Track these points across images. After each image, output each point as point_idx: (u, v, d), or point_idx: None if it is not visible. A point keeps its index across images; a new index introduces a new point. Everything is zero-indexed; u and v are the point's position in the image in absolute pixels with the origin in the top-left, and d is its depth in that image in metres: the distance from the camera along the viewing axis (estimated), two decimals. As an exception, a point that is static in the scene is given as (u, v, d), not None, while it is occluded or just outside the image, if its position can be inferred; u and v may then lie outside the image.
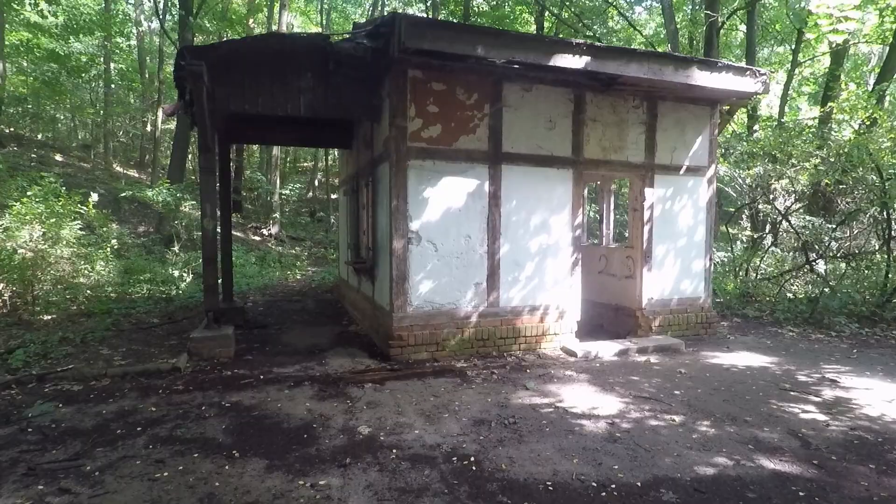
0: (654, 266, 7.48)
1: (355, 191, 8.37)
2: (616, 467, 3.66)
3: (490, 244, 6.53)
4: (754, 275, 11.14)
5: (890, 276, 9.46)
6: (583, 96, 6.90)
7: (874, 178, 9.82)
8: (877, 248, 10.17)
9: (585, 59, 5.99)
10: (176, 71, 5.60)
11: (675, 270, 7.66)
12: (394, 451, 3.87)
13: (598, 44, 6.08)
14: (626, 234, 13.61)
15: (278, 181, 21.24)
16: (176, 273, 11.63)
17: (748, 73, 6.87)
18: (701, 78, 6.58)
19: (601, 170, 7.11)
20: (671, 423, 4.47)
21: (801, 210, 11.49)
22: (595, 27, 19.06)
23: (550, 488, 3.38)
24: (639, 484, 3.44)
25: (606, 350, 6.70)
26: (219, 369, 5.75)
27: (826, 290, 9.05)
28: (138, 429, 4.21)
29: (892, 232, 9.56)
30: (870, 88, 16.03)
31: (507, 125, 6.55)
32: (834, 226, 10.41)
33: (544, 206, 6.78)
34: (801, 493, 3.34)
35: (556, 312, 6.90)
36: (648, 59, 6.30)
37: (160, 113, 21.39)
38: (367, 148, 7.67)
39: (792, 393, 5.31)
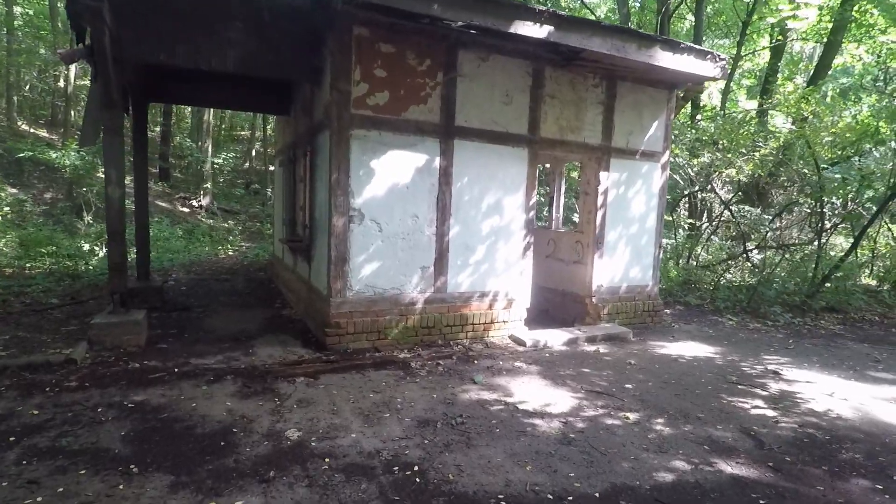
0: (605, 252, 7.29)
1: (292, 161, 7.62)
2: (572, 475, 3.35)
3: (439, 225, 6.06)
4: (694, 263, 11.34)
5: (819, 266, 9.86)
6: (542, 70, 6.48)
7: (809, 171, 10.15)
8: (808, 239, 10.56)
9: (548, 28, 5.55)
10: (69, 6, 4.65)
11: (626, 257, 7.51)
12: (326, 460, 3.38)
13: (562, 13, 5.60)
14: (576, 219, 13.62)
15: (210, 149, 19.66)
16: (86, 247, 10.39)
17: (709, 56, 6.69)
18: (663, 58, 6.32)
19: (557, 150, 6.77)
20: (626, 421, 4.24)
21: (737, 200, 11.79)
22: (548, 3, 18.72)
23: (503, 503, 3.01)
24: (597, 495, 3.14)
25: (555, 339, 6.46)
26: (125, 361, 4.98)
27: (761, 279, 9.27)
28: (11, 439, 3.47)
29: (825, 224, 9.93)
30: (804, 85, 16.74)
31: (462, 96, 6.04)
32: (770, 217, 10.71)
33: (498, 186, 6.36)
34: (761, 502, 3.16)
35: (505, 299, 6.56)
36: (612, 35, 5.94)
37: (73, 67, 19.16)
38: (306, 114, 6.93)
39: (739, 386, 5.25)
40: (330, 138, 5.51)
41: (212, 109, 20.15)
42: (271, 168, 24.55)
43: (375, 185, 5.69)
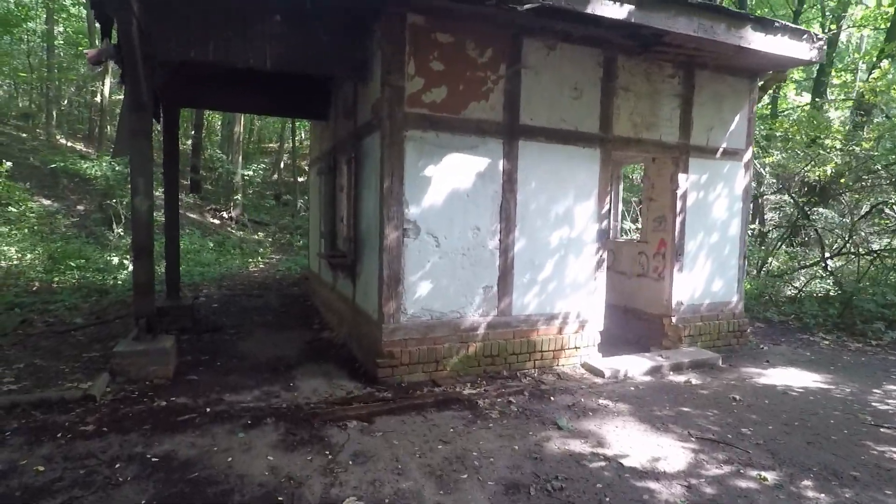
0: (685, 265, 6.39)
1: (332, 170, 6.96)
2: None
3: (503, 238, 5.29)
4: (765, 272, 10.28)
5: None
6: (614, 60, 5.68)
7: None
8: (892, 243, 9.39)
9: (628, 7, 4.75)
10: (92, -5, 4.10)
11: (707, 270, 6.60)
12: (399, 546, 2.62)
13: (644, -11, 4.81)
14: (638, 226, 12.67)
15: (240, 160, 19.39)
16: (115, 260, 9.95)
17: (805, 36, 5.78)
18: (755, 40, 5.45)
19: (631, 150, 5.94)
20: (763, 483, 3.36)
21: (808, 203, 10.68)
22: None
23: None
24: None
25: (635, 367, 5.59)
26: (150, 396, 4.33)
27: (855, 291, 8.19)
28: (10, 510, 2.82)
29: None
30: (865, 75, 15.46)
31: (527, 91, 5.27)
32: (851, 220, 9.60)
33: (567, 192, 5.56)
34: None
35: (576, 322, 5.73)
36: (700, 13, 5.11)
37: (108, 80, 19.17)
38: (348, 117, 6.27)
39: (882, 430, 4.30)
40: (381, 141, 4.81)
41: (242, 121, 19.92)
42: (301, 179, 24.26)
43: (432, 194, 4.96)
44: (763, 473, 3.48)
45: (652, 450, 3.78)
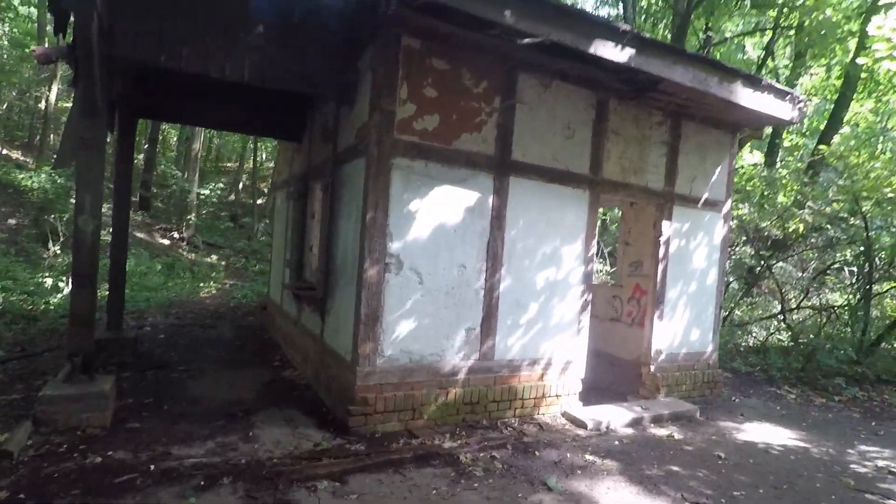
0: (665, 313, 6.28)
1: (302, 195, 6.54)
2: None
3: (489, 277, 4.99)
4: (728, 322, 10.43)
5: (867, 331, 9.04)
6: (606, 102, 5.63)
7: (850, 227, 9.46)
8: (850, 300, 9.76)
9: (629, 52, 4.70)
10: (50, -15, 3.64)
11: (686, 319, 6.52)
12: None
13: (644, 35, 4.79)
14: (608, 270, 12.69)
15: (197, 179, 18.50)
16: (49, 281, 8.99)
17: (788, 97, 5.94)
18: (744, 96, 5.53)
19: (619, 194, 5.84)
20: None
21: (769, 257, 11.04)
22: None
23: None
24: None
25: (617, 419, 5.33)
26: (82, 451, 3.68)
27: (817, 346, 8.35)
28: None
29: (872, 285, 9.16)
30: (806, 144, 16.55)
31: (520, 127, 5.11)
32: (813, 275, 9.93)
33: (555, 233, 5.37)
34: None
35: (558, 367, 5.46)
36: (695, 65, 5.14)
37: (55, 86, 18.06)
38: (326, 140, 5.91)
39: (868, 496, 4.18)
40: (367, 168, 4.48)
41: (202, 137, 19.13)
42: (259, 202, 23.45)
43: (418, 227, 4.63)
44: (773, 548, 3.23)
45: (653, 519, 3.48)
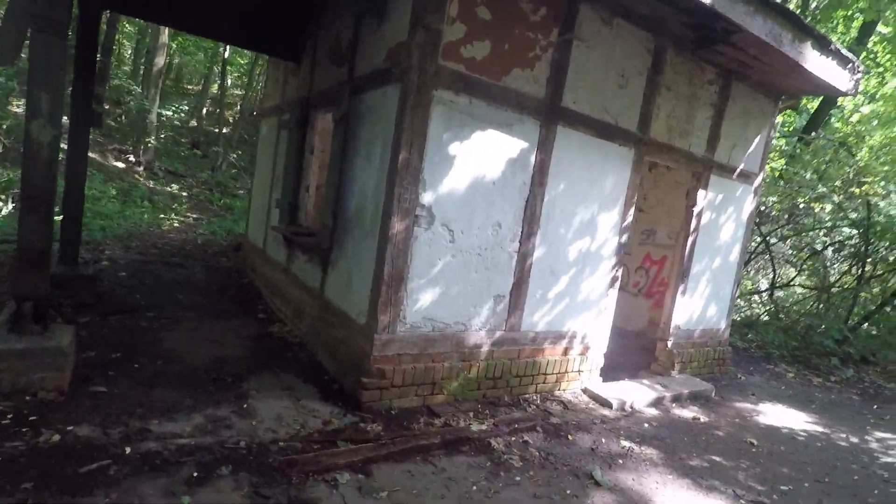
0: (688, 288, 5.89)
1: (300, 126, 5.62)
2: None
3: (523, 241, 4.38)
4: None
5: (852, 313, 9.11)
6: (664, 51, 4.93)
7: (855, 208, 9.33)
8: (846, 281, 9.77)
9: (715, -12, 3.99)
10: None
11: (707, 294, 6.17)
12: None
13: (735, -29, 4.07)
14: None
15: (158, 98, 16.69)
16: (-17, 200, 7.76)
17: (849, 65, 5.41)
18: (811, 59, 4.96)
19: (663, 156, 5.25)
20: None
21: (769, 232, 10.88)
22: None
23: None
24: None
25: (639, 398, 4.99)
26: (34, 424, 2.93)
27: (812, 326, 8.31)
28: None
29: (865, 268, 9.15)
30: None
31: (574, 68, 4.37)
32: (808, 254, 9.85)
33: (595, 196, 4.77)
34: None
35: (581, 344, 5.01)
36: (774, 17, 4.48)
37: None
38: (337, 62, 4.99)
39: (909, 495, 4.01)
40: (402, 98, 3.68)
41: (165, 52, 17.17)
42: (225, 130, 21.68)
43: (455, 176, 3.92)
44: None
45: (717, 527, 3.12)
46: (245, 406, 3.57)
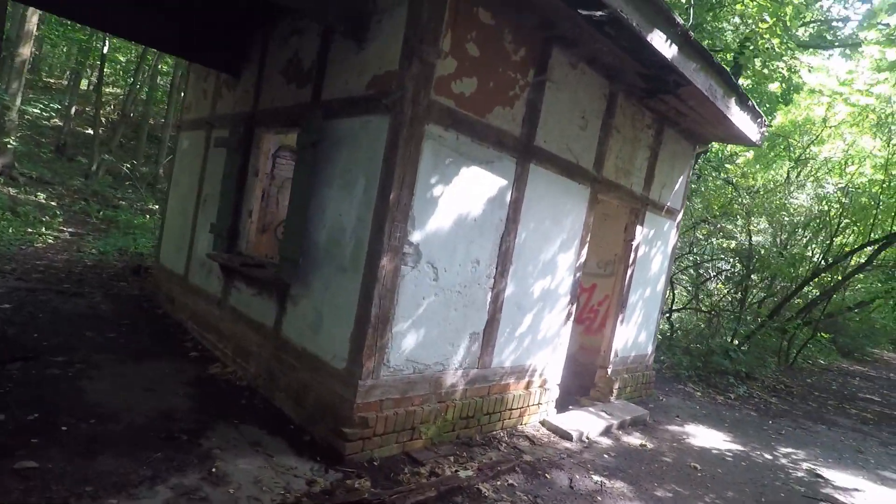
0: (626, 317, 6.29)
1: (242, 146, 5.15)
2: None
3: (497, 277, 4.38)
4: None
5: (736, 333, 10.36)
6: (616, 96, 5.27)
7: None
8: (731, 305, 11.09)
9: (674, 49, 4.37)
10: None
11: (639, 322, 6.63)
12: None
13: (690, 33, 4.47)
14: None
15: (20, 93, 14.40)
16: None
17: (759, 120, 6.22)
18: (734, 112, 5.62)
19: (611, 194, 5.58)
20: None
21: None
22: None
23: None
24: None
25: (590, 427, 5.17)
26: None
27: (711, 346, 9.30)
28: None
29: (747, 294, 10.47)
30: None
31: (546, 108, 4.50)
32: (705, 277, 11.04)
33: (558, 233, 4.93)
34: None
35: (540, 377, 5.11)
36: (713, 75, 5.02)
37: None
38: (295, 81, 4.65)
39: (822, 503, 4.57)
40: (392, 131, 3.51)
41: (31, 41, 14.94)
42: (89, 131, 19.25)
43: (441, 213, 3.82)
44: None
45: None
46: (213, 470, 3.11)
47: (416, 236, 3.66)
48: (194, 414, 3.81)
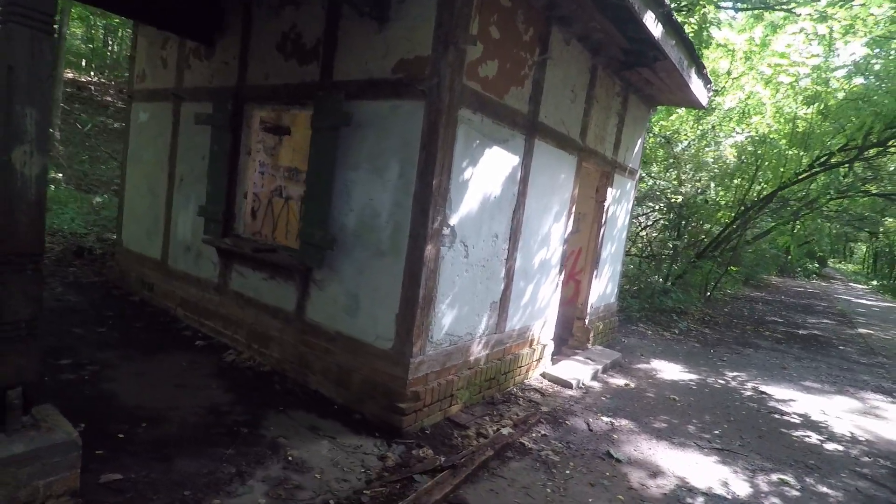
0: (599, 272, 6.89)
1: (231, 123, 4.89)
2: None
3: (510, 248, 4.67)
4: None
5: (669, 275, 11.57)
6: (597, 69, 5.57)
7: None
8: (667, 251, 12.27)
9: (661, 29, 4.71)
10: None
11: (607, 275, 7.28)
12: None
13: (672, 12, 4.81)
14: None
15: None
16: None
17: (708, 85, 6.82)
18: (694, 80, 6.15)
19: (591, 161, 5.97)
20: (794, 490, 3.91)
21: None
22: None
23: None
24: None
25: (583, 374, 5.77)
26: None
27: (656, 288, 10.34)
28: None
29: (678, 241, 11.63)
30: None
31: (548, 84, 4.71)
32: (643, 225, 12.05)
33: (555, 202, 5.27)
34: None
35: (540, 335, 5.57)
36: (683, 49, 5.44)
37: None
38: (295, 57, 4.46)
39: (773, 416, 5.52)
40: (429, 117, 3.57)
41: None
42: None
43: (471, 194, 3.99)
44: (781, 477, 4.06)
45: (705, 472, 3.97)
46: (290, 458, 3.24)
47: (452, 218, 3.82)
48: (239, 405, 3.83)
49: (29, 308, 2.42)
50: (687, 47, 5.54)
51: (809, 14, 6.82)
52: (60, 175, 13.34)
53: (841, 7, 6.68)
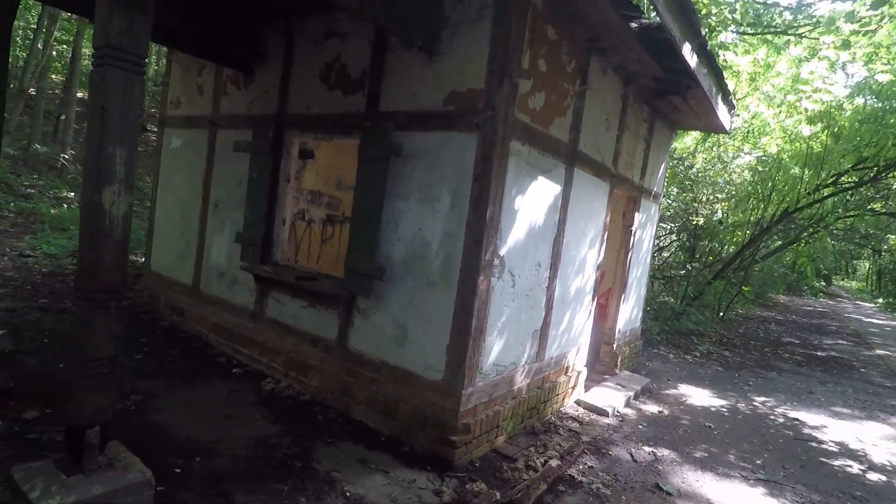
0: (627, 296, 6.88)
1: (272, 150, 4.94)
2: None
3: (550, 277, 4.68)
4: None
5: (685, 297, 11.55)
6: (628, 97, 5.64)
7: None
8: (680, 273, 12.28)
9: (696, 59, 4.78)
10: None
11: (633, 300, 7.27)
12: None
13: (705, 42, 4.89)
14: None
15: None
16: None
17: (732, 111, 6.90)
18: (720, 107, 6.22)
19: (621, 188, 6.02)
20: (856, 527, 3.86)
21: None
22: None
23: None
24: None
25: (616, 401, 5.73)
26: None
27: (675, 310, 10.32)
28: None
29: (693, 262, 11.64)
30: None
31: (586, 114, 4.76)
32: (660, 246, 12.07)
33: (590, 229, 5.30)
34: None
35: (574, 362, 5.55)
36: (712, 76, 5.52)
37: None
38: (340, 87, 4.52)
39: (810, 444, 5.47)
40: (483, 149, 3.61)
41: None
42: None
43: (519, 224, 4.01)
44: (841, 514, 4.01)
45: (750, 502, 3.92)
46: (348, 494, 3.19)
47: (502, 249, 3.84)
48: (287, 437, 3.80)
49: (111, 346, 2.41)
50: (717, 75, 5.63)
51: (833, 42, 6.94)
52: (72, 194, 13.42)
53: (864, 36, 6.81)
